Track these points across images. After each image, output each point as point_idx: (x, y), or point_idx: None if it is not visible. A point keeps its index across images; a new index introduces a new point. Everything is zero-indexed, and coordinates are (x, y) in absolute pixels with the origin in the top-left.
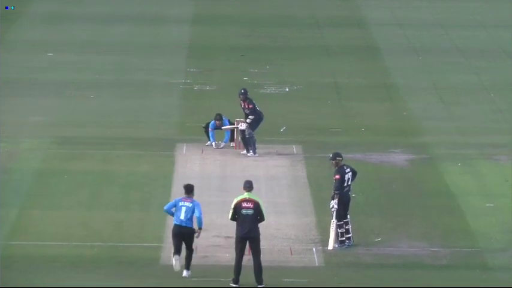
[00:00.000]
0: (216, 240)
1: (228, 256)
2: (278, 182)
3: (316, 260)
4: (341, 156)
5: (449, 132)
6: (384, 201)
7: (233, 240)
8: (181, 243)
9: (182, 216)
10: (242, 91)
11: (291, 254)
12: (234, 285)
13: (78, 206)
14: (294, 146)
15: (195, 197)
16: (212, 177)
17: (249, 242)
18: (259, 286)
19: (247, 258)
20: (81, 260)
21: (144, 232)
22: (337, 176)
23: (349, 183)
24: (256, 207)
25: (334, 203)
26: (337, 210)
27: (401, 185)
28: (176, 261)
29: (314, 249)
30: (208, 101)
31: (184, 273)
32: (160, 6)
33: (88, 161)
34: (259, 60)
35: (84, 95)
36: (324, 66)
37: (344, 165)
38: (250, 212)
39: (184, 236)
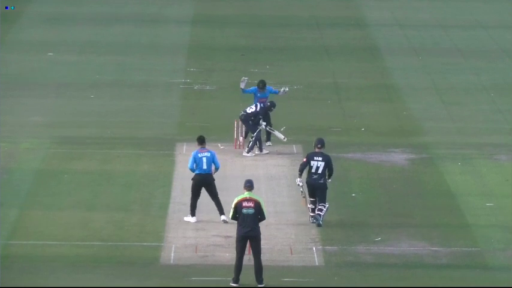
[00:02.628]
0: (216, 239)
1: (228, 256)
2: (278, 182)
3: (316, 259)
4: (320, 144)
5: (449, 132)
6: (383, 201)
7: (233, 240)
8: (200, 193)
9: (205, 166)
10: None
11: (291, 254)
12: (234, 285)
13: (78, 206)
14: (294, 146)
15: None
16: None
17: (249, 241)
18: (259, 286)
19: (247, 257)
20: (81, 260)
21: (144, 232)
22: (304, 159)
23: (319, 171)
24: (257, 206)
25: (297, 181)
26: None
27: (402, 185)
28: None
29: (314, 248)
30: (208, 101)
31: (223, 217)
32: (160, 6)
33: (88, 161)
34: (259, 60)
35: (84, 95)
36: (324, 66)
37: (318, 152)
38: (251, 211)
39: (206, 182)
